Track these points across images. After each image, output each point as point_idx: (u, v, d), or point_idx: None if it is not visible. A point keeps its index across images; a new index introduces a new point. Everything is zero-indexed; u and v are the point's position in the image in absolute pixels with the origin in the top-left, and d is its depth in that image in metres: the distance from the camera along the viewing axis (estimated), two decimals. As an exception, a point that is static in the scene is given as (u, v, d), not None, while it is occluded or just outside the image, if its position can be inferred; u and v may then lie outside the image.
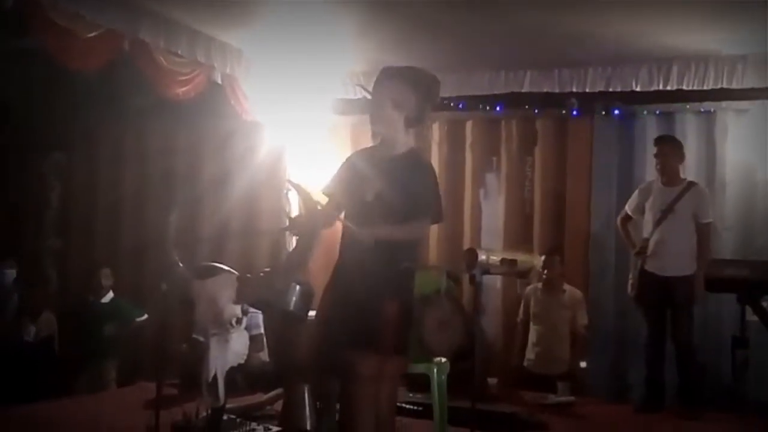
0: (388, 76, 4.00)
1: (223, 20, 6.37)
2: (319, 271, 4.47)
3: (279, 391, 5.59)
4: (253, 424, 5.10)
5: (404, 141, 4.02)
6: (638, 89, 6.98)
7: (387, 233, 3.73)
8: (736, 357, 6.05)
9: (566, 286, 6.93)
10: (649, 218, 6.36)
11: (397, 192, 3.79)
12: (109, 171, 9.04)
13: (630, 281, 6.48)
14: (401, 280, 3.87)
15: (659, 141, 6.45)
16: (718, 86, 6.75)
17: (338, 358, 3.74)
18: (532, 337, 6.95)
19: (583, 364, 6.74)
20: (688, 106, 7.21)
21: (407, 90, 3.95)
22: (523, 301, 7.09)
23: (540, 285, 6.95)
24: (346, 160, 4.12)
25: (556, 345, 6.83)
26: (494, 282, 7.49)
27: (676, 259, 6.20)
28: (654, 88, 6.92)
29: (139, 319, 7.63)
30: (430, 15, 6.12)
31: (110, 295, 7.80)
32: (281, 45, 6.87)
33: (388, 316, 3.73)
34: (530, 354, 6.92)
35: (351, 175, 3.76)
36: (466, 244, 7.49)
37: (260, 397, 5.76)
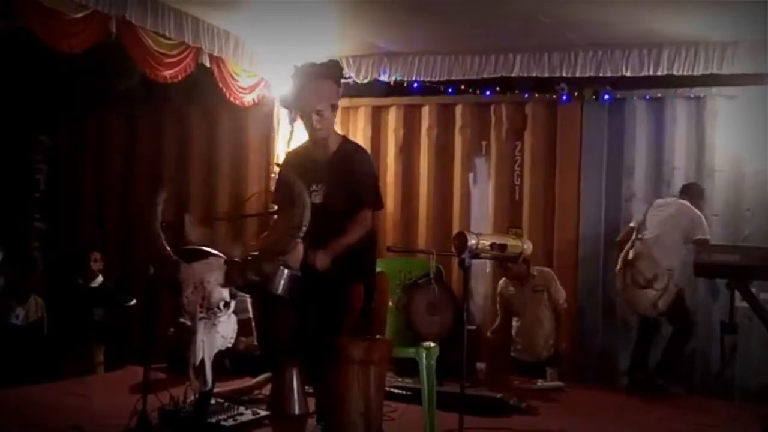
0: (312, 79, 4.06)
1: (211, 2, 6.32)
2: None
3: (267, 375, 5.58)
4: (241, 409, 5.08)
5: (336, 134, 4.12)
6: (628, 74, 6.97)
7: (339, 248, 3.85)
8: (724, 342, 6.06)
9: (534, 269, 6.89)
10: None
11: (340, 189, 3.88)
12: (96, 153, 9.01)
13: None
14: (362, 263, 4.02)
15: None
16: (708, 72, 6.75)
17: (312, 344, 3.82)
18: (514, 329, 6.95)
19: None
20: (677, 92, 7.21)
21: (335, 87, 4.05)
22: (498, 295, 7.09)
23: (508, 279, 6.94)
24: (284, 165, 4.22)
25: (539, 332, 6.83)
26: (483, 266, 7.50)
27: None
28: (644, 73, 6.92)
29: (128, 304, 7.60)
30: (420, -1, 6.10)
31: (100, 279, 7.77)
32: (270, 27, 6.83)
33: (351, 297, 3.88)
34: (516, 344, 6.92)
35: (294, 180, 3.78)
36: (456, 229, 7.47)
37: (248, 381, 5.75)
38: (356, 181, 4.02)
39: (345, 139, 4.26)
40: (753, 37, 6.46)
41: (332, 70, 4.13)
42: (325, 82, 4.07)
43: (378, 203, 4.20)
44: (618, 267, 6.58)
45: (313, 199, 3.88)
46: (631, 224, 6.72)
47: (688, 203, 6.55)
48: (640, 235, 6.45)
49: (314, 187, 3.99)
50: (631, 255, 6.44)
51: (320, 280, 3.80)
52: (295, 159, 4.29)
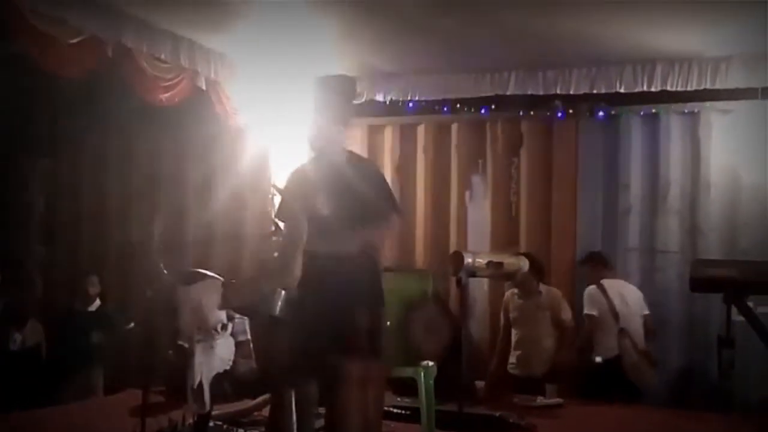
0: (318, 91, 4.01)
1: (206, 25, 6.36)
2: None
3: (266, 397, 5.57)
4: (240, 431, 5.08)
5: (342, 147, 4.07)
6: (622, 90, 7.00)
7: (363, 234, 3.78)
8: (721, 357, 6.05)
9: (542, 287, 6.89)
10: None
11: (352, 201, 3.84)
12: (94, 177, 9.01)
13: None
14: (368, 283, 3.92)
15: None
16: (702, 87, 6.78)
17: (314, 365, 3.78)
18: (513, 341, 6.94)
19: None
20: (672, 107, 7.23)
21: (340, 101, 3.98)
22: (503, 307, 7.06)
23: (516, 290, 6.93)
24: (290, 180, 4.17)
25: (537, 347, 6.80)
26: (481, 285, 7.50)
27: None
28: (638, 89, 6.95)
29: (126, 327, 7.59)
30: (414, 17, 6.12)
31: (97, 302, 7.77)
32: (265, 49, 6.86)
33: (358, 321, 3.78)
34: (512, 358, 6.90)
35: (301, 193, 3.76)
36: (453, 247, 7.48)
37: (247, 403, 5.74)
38: (375, 192, 3.97)
39: (352, 153, 4.22)
40: (746, 51, 6.50)
41: (336, 85, 4.08)
42: (326, 96, 4.03)
43: (397, 211, 4.15)
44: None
45: (321, 212, 3.85)
46: (593, 313, 6.76)
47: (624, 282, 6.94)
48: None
49: (322, 200, 3.95)
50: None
51: (326, 302, 3.76)
52: (302, 173, 4.23)
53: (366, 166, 4.14)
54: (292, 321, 3.86)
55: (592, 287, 6.81)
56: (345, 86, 4.09)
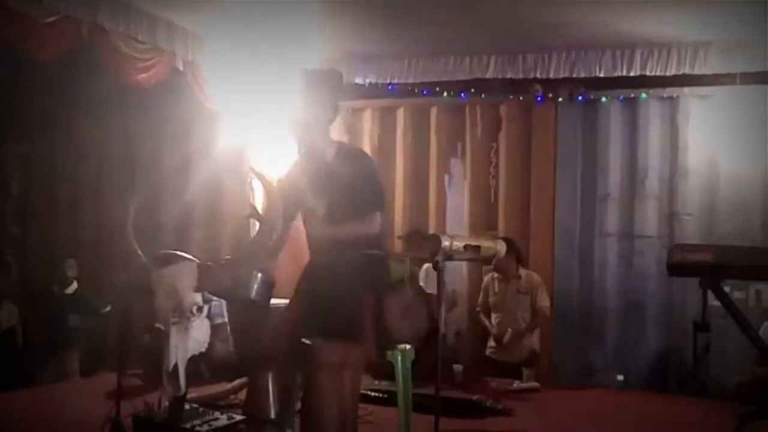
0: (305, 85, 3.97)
1: (184, 5, 6.30)
2: (285, 260, 4.43)
3: (243, 380, 5.56)
4: (217, 413, 5.04)
5: (331, 140, 4.04)
6: (602, 75, 7.00)
7: (339, 233, 3.76)
8: (697, 341, 6.09)
9: (522, 271, 6.90)
10: None
11: (345, 196, 3.82)
12: (68, 159, 8.94)
13: None
14: (372, 270, 3.90)
15: None
16: (681, 72, 6.80)
17: (310, 349, 3.77)
18: (492, 326, 6.94)
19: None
20: (651, 92, 7.24)
21: (324, 97, 3.95)
22: (482, 291, 7.07)
23: (496, 274, 6.93)
24: (287, 174, 4.13)
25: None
26: (459, 268, 7.50)
27: None
28: (617, 73, 6.97)
29: (103, 310, 7.56)
30: (394, 1, 6.09)
31: (74, 285, 7.72)
32: (244, 32, 6.81)
33: (362, 307, 3.77)
34: (491, 342, 6.91)
35: (294, 193, 3.73)
36: (431, 231, 7.48)
37: (224, 386, 5.72)
38: (360, 186, 3.95)
39: (341, 145, 4.18)
40: (725, 37, 6.51)
41: (321, 79, 4.05)
42: (312, 90, 3.99)
43: (383, 207, 4.10)
44: None
45: (317, 210, 3.84)
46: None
47: None
48: None
49: (316, 198, 3.92)
50: None
51: (328, 292, 3.74)
52: (295, 171, 4.19)
53: (354, 158, 4.10)
54: (293, 303, 3.85)
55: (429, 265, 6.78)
56: (332, 80, 4.06)
